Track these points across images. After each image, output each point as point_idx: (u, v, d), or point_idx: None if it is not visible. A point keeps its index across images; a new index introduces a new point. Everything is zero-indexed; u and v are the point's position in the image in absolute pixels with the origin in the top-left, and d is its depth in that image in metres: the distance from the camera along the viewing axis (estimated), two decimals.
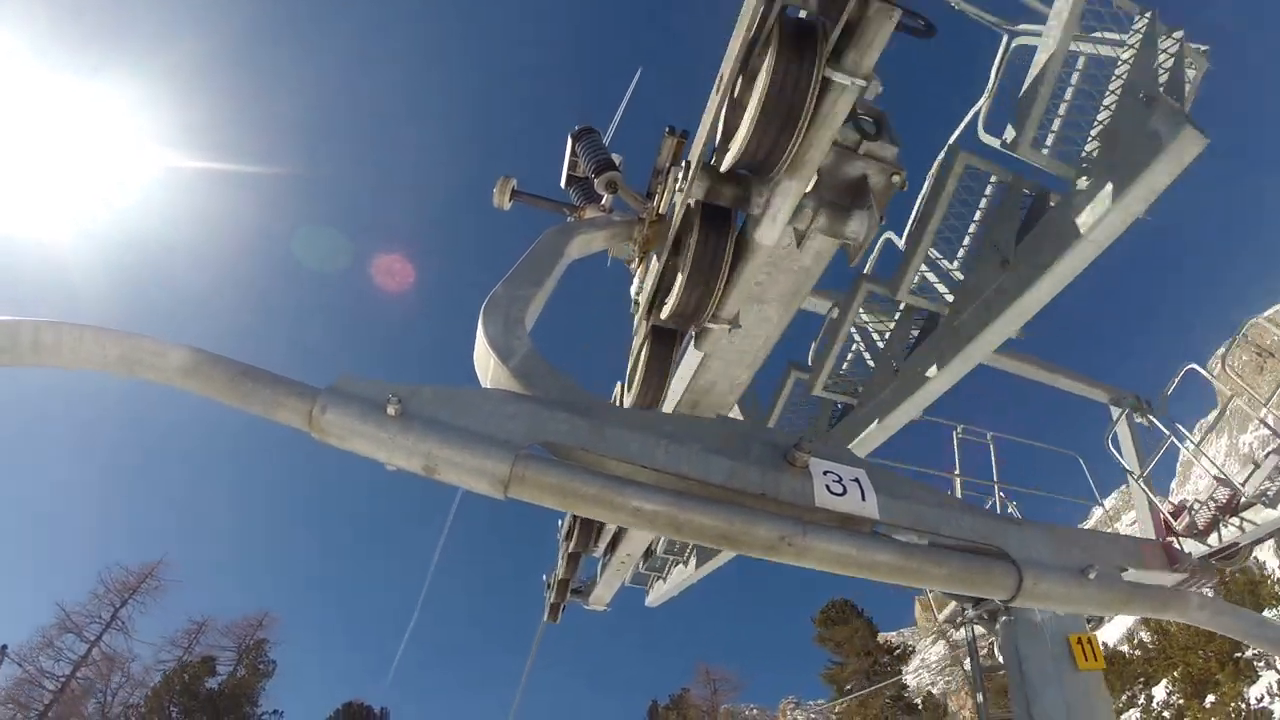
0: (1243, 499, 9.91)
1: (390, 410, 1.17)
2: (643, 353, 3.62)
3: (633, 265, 4.46)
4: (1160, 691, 35.43)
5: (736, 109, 2.18)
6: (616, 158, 3.88)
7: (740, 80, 2.17)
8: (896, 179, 2.19)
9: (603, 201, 4.17)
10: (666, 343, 3.51)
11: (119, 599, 43.60)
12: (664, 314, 3.09)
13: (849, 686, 41.34)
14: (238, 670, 45.13)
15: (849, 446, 5.04)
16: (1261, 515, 9.90)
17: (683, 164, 3.10)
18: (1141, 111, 3.05)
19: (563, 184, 4.28)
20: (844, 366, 5.36)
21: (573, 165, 4.17)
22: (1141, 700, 36.08)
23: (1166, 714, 33.68)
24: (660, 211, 4.18)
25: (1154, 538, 6.89)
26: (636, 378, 3.65)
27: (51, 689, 41.00)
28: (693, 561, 7.81)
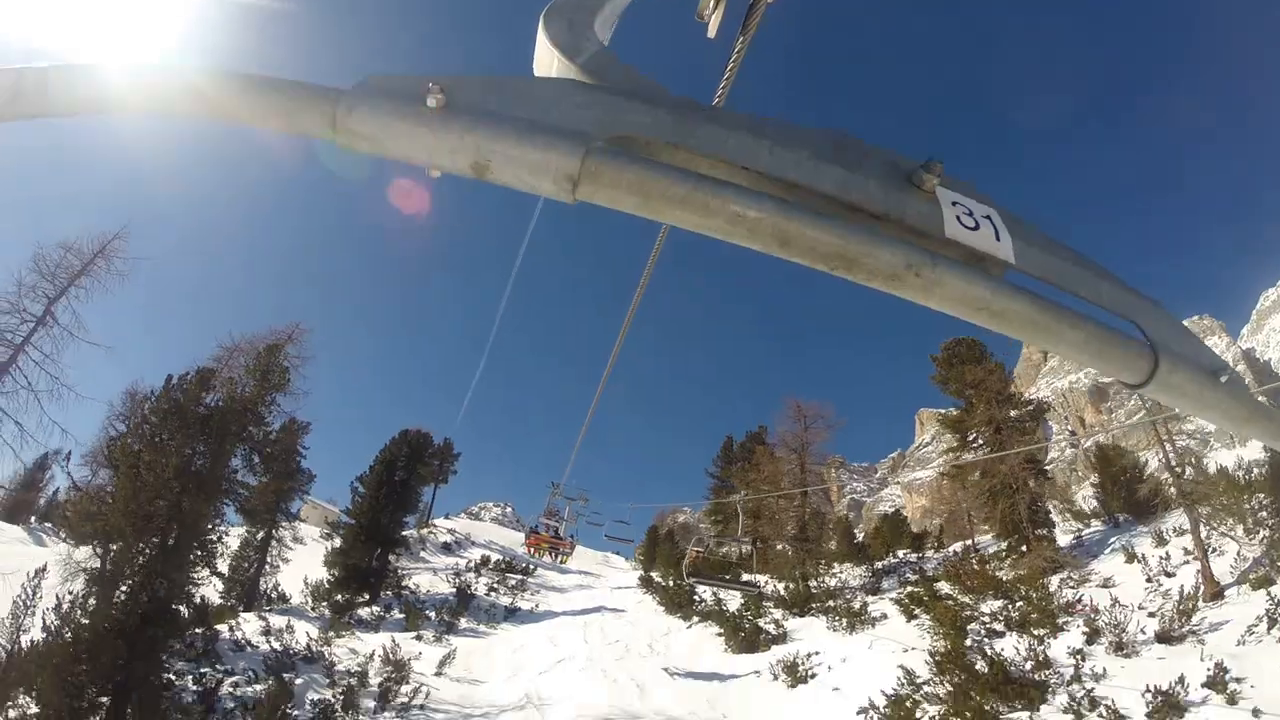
0: None
1: (431, 102, 0.97)
2: None
3: (707, 11, 3.75)
4: None
5: None
6: None
7: None
8: None
9: None
10: None
11: (55, 289, 29.75)
12: None
13: (972, 436, 34.45)
14: (244, 387, 32.17)
15: None
16: None
17: None
18: None
19: None
20: None
21: None
22: None
23: None
24: None
25: None
26: None
27: None
28: None
